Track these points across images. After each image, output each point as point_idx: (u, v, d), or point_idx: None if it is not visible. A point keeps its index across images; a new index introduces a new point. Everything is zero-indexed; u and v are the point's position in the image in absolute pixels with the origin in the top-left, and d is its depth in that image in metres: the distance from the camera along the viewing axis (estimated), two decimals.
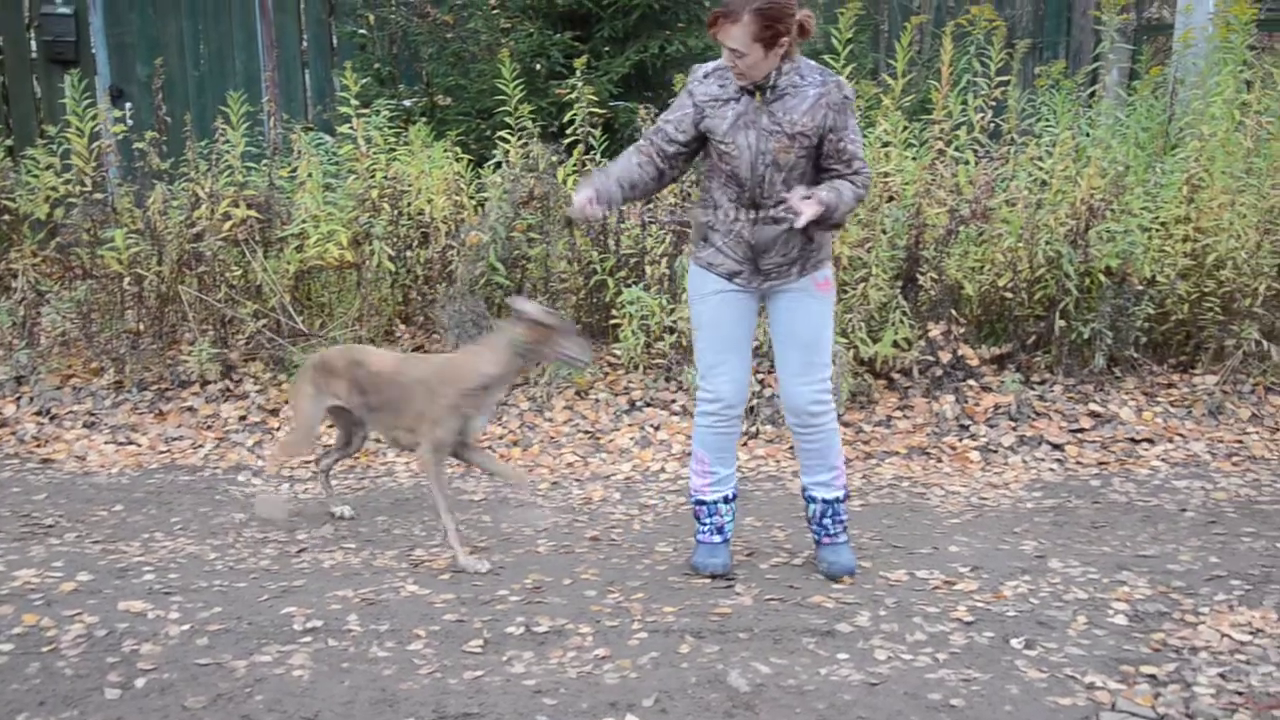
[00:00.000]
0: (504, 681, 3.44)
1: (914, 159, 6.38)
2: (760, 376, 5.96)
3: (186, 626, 3.85)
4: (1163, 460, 5.51)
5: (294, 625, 3.85)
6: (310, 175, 6.54)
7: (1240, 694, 3.27)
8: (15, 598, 4.09)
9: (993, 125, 6.51)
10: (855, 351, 5.89)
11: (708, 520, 4.24)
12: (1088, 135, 6.47)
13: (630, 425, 5.95)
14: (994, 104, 6.41)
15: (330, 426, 5.04)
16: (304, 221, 6.45)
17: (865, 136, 6.40)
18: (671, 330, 6.07)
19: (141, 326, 6.65)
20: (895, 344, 5.91)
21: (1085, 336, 5.99)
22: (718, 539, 4.25)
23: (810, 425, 4.11)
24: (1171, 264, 6.03)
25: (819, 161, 3.93)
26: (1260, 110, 6.43)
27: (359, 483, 5.57)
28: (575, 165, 6.55)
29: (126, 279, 6.56)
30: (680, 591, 4.09)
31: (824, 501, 4.22)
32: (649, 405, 6.09)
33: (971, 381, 6.02)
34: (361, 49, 8.93)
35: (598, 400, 6.13)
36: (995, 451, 5.64)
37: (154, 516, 5.12)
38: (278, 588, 4.19)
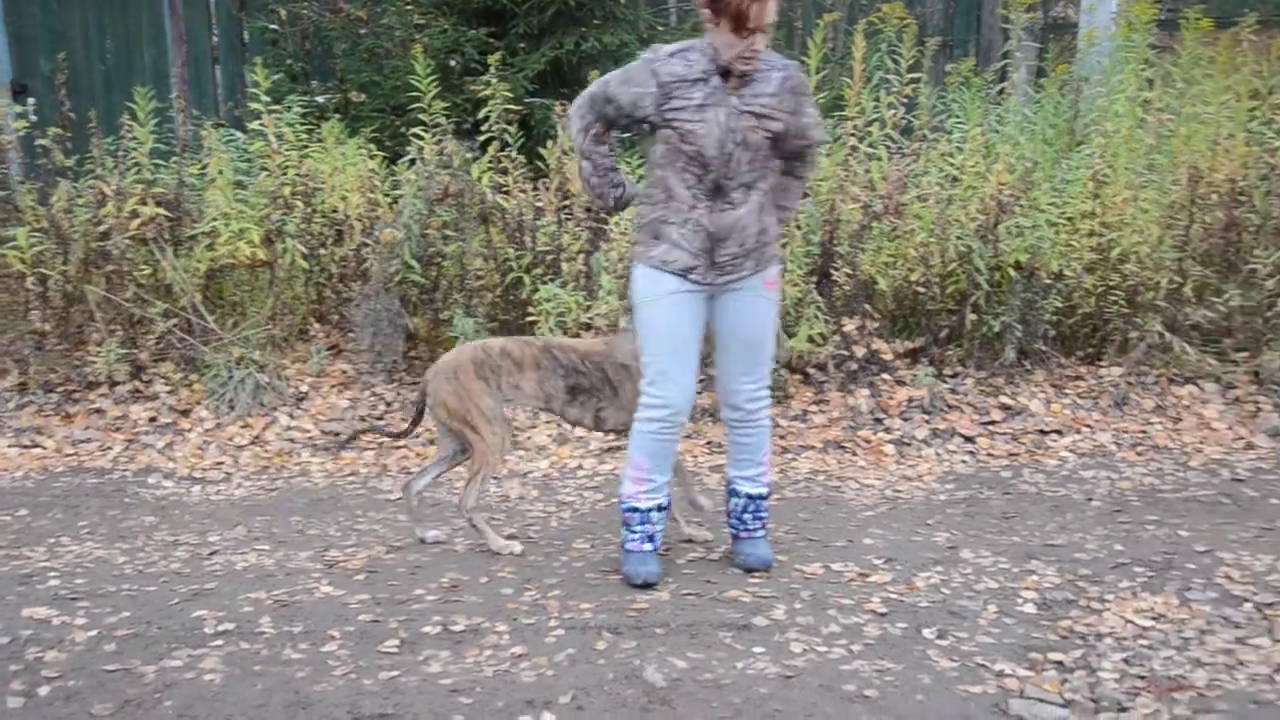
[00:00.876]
0: (420, 681, 3.42)
1: (828, 155, 6.44)
2: None
3: (94, 632, 3.78)
4: (1071, 451, 5.62)
5: (205, 629, 3.79)
6: (221, 172, 6.44)
7: (1143, 678, 3.35)
8: None
9: (905, 122, 6.59)
10: None
11: (639, 528, 4.16)
12: (997, 132, 6.58)
13: (548, 422, 5.94)
14: (905, 101, 6.49)
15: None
16: (215, 219, 6.35)
17: None
18: (588, 327, 6.07)
19: (47, 327, 6.50)
20: (810, 339, 5.96)
21: (996, 330, 6.09)
22: (648, 547, 4.17)
23: (748, 420, 4.15)
24: (1078, 258, 6.15)
25: (778, 144, 3.94)
26: (1161, 108, 6.58)
27: (272, 483, 5.51)
28: (490, 162, 6.52)
29: (30, 278, 6.41)
30: (597, 588, 4.09)
31: (748, 496, 4.24)
32: None
33: (886, 375, 6.09)
34: (273, 44, 8.82)
35: None
36: (909, 444, 5.72)
37: (60, 521, 5.02)
38: (189, 591, 4.13)
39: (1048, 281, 6.06)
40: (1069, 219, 6.22)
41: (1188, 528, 4.60)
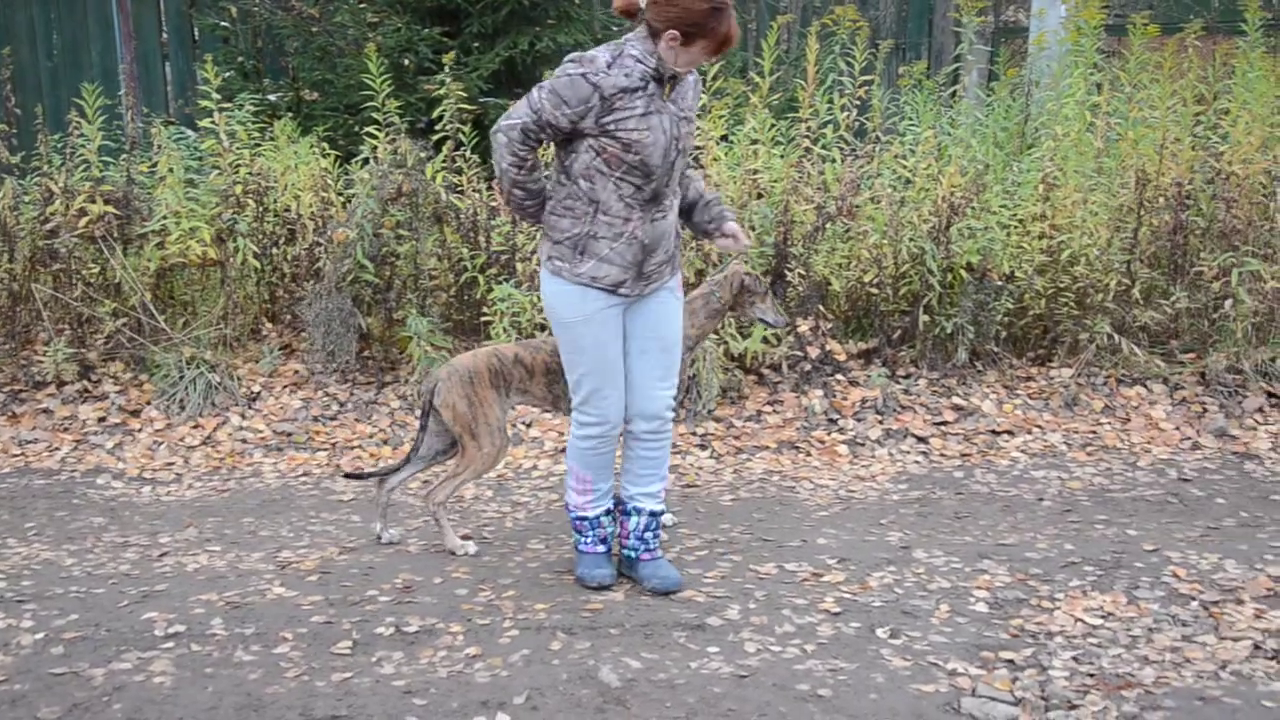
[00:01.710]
0: (373, 683, 3.40)
1: (781, 157, 6.47)
2: None
3: (41, 635, 3.73)
4: (1022, 451, 5.68)
5: (155, 631, 3.75)
6: (171, 170, 6.38)
7: (1092, 676, 3.39)
8: None
9: (858, 124, 6.63)
10: (725, 347, 5.95)
11: (590, 533, 4.14)
12: (949, 135, 6.64)
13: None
14: (859, 103, 6.53)
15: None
16: (165, 218, 6.28)
17: (734, 134, 6.49)
18: (543, 328, 6.06)
19: None
20: (764, 340, 5.98)
21: (948, 331, 6.14)
22: (601, 549, 4.16)
23: (660, 432, 4.05)
24: (1029, 260, 6.21)
25: None
26: (1109, 111, 6.66)
27: (224, 484, 5.46)
28: (444, 161, 6.50)
29: None
30: (552, 589, 4.09)
31: (650, 514, 4.13)
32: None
33: (839, 376, 6.13)
34: (225, 42, 8.75)
35: None
36: (863, 445, 5.75)
37: (6, 522, 4.94)
38: (138, 593, 4.08)
39: (999, 283, 6.12)
40: (1020, 221, 6.29)
41: (1136, 527, 4.66)
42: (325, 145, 6.94)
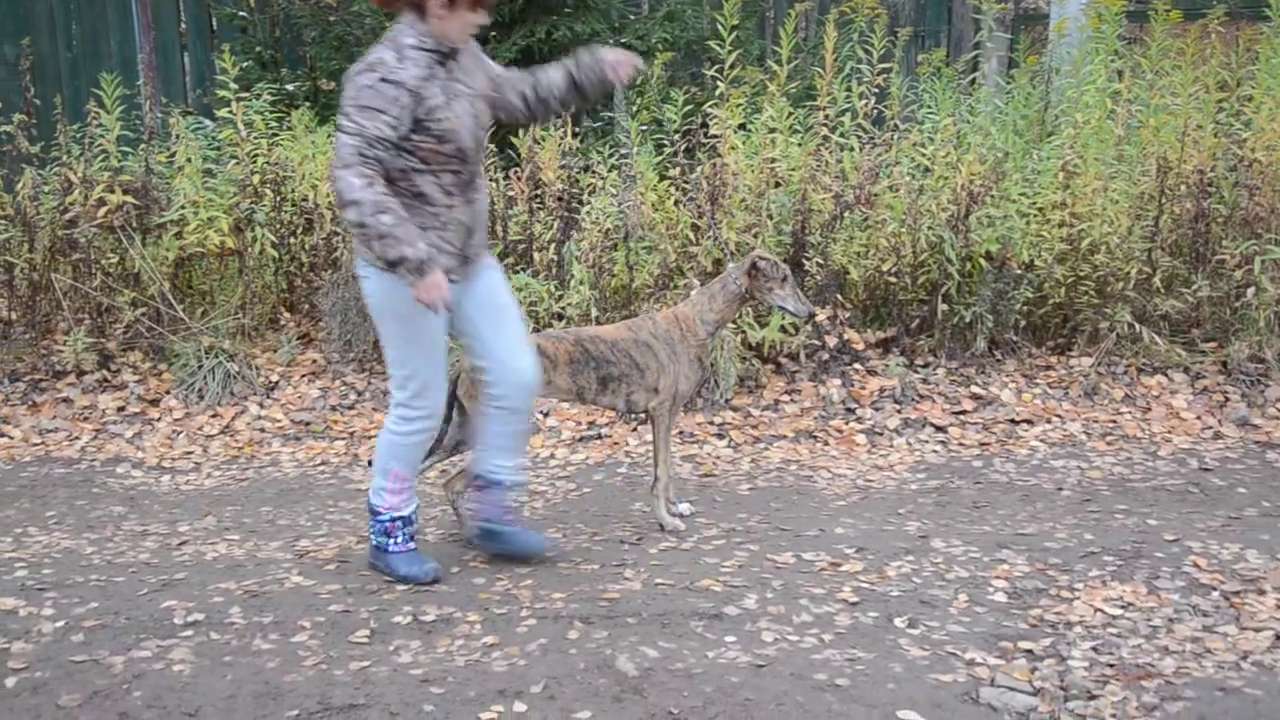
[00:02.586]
0: (391, 671, 3.41)
1: (799, 145, 6.44)
2: None
3: (61, 623, 3.75)
4: (1041, 440, 5.65)
5: (174, 619, 3.77)
6: (189, 160, 6.40)
7: (1112, 666, 3.37)
8: None
9: (876, 112, 6.60)
10: (743, 336, 5.94)
11: (403, 532, 4.08)
12: (968, 122, 6.59)
13: None
14: (877, 91, 6.49)
15: None
16: (183, 207, 6.30)
17: (752, 123, 6.46)
18: (560, 317, 6.05)
19: (13, 315, 6.45)
20: (782, 329, 5.96)
21: (967, 320, 6.11)
22: (412, 545, 4.12)
23: (528, 402, 4.07)
24: (1049, 248, 6.18)
25: None
26: (1130, 99, 6.61)
27: (243, 473, 5.47)
28: None
29: None
30: (569, 578, 4.08)
31: (515, 484, 4.19)
32: None
33: (857, 365, 6.11)
34: (243, 31, 8.75)
35: None
36: (881, 434, 5.73)
37: (27, 510, 4.97)
38: (158, 581, 4.10)
39: (1018, 272, 6.08)
40: (1039, 209, 6.25)
41: (1156, 517, 4.64)
42: None
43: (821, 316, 6.08)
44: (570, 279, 6.05)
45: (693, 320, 4.49)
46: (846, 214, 6.21)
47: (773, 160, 6.31)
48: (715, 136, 6.31)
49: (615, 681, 3.33)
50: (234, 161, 6.54)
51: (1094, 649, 3.48)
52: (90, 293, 6.36)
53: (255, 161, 6.52)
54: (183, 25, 9.55)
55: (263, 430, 5.90)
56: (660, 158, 6.54)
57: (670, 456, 4.63)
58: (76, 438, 5.88)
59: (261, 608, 3.85)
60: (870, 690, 3.27)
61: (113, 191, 6.25)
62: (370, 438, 5.79)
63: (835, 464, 5.44)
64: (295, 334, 6.50)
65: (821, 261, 6.13)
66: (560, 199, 6.32)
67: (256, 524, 4.75)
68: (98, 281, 6.38)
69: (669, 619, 3.72)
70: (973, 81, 7.14)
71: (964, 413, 5.87)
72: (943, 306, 6.12)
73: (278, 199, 6.51)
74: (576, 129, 6.39)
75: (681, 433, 5.73)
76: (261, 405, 6.06)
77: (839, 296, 6.16)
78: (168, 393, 6.15)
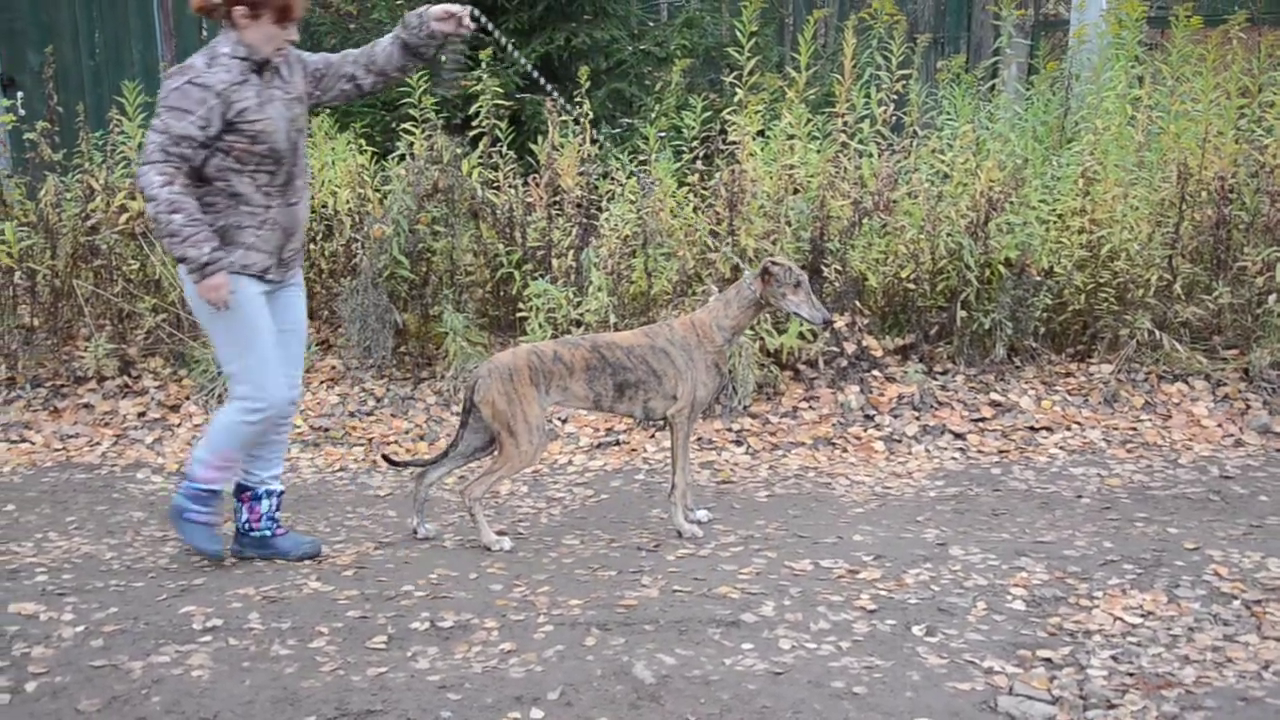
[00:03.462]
0: (408, 678, 3.42)
1: (818, 152, 6.43)
2: None
3: (81, 628, 3.76)
4: (1060, 448, 5.63)
5: (193, 624, 3.78)
6: None
7: (1131, 675, 3.35)
8: None
9: (895, 118, 6.59)
10: (761, 343, 5.93)
11: (212, 504, 4.26)
12: (987, 129, 6.58)
13: None
14: (896, 97, 6.48)
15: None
16: None
17: (771, 129, 6.45)
18: (579, 323, 6.06)
19: (35, 321, 6.49)
20: (800, 335, 5.96)
21: (986, 327, 6.09)
22: (216, 519, 4.31)
23: (290, 417, 4.35)
24: (1068, 255, 6.15)
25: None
26: (1151, 105, 6.58)
27: None
28: (480, 157, 6.51)
29: (18, 273, 6.39)
30: (586, 584, 4.08)
31: (279, 495, 4.39)
32: None
33: (876, 372, 6.09)
34: None
35: None
36: (899, 441, 5.72)
37: (48, 516, 5.00)
38: (177, 586, 4.12)
39: (1038, 278, 6.06)
40: (1059, 216, 6.23)
41: (1177, 525, 4.61)
42: (362, 142, 6.97)
43: (840, 323, 6.06)
44: (589, 285, 6.06)
45: (709, 327, 4.48)
46: (865, 220, 6.20)
47: (791, 167, 6.31)
48: (734, 143, 6.31)
49: (632, 689, 3.33)
50: None
51: (1113, 658, 3.46)
52: (111, 299, 6.40)
53: None
54: (204, 33, 9.60)
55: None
56: (679, 164, 6.54)
57: (688, 463, 4.63)
58: (97, 443, 5.91)
59: (280, 613, 3.87)
60: (888, 698, 3.26)
61: (134, 198, 6.29)
62: (389, 444, 5.80)
63: (853, 471, 5.42)
64: (314, 340, 6.52)
65: (840, 268, 6.12)
66: (579, 205, 6.33)
67: None
68: (119, 288, 6.41)
69: (686, 626, 3.72)
70: (992, 88, 7.13)
71: (983, 420, 5.85)
72: (962, 313, 6.10)
73: None
74: (596, 135, 6.39)
75: (700, 439, 5.72)
76: None
77: (857, 303, 6.15)
78: (188, 398, 6.18)
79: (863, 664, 3.46)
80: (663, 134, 6.73)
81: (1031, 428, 5.79)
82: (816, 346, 6.03)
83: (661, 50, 8.06)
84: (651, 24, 8.77)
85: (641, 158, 6.51)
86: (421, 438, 5.86)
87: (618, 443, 5.77)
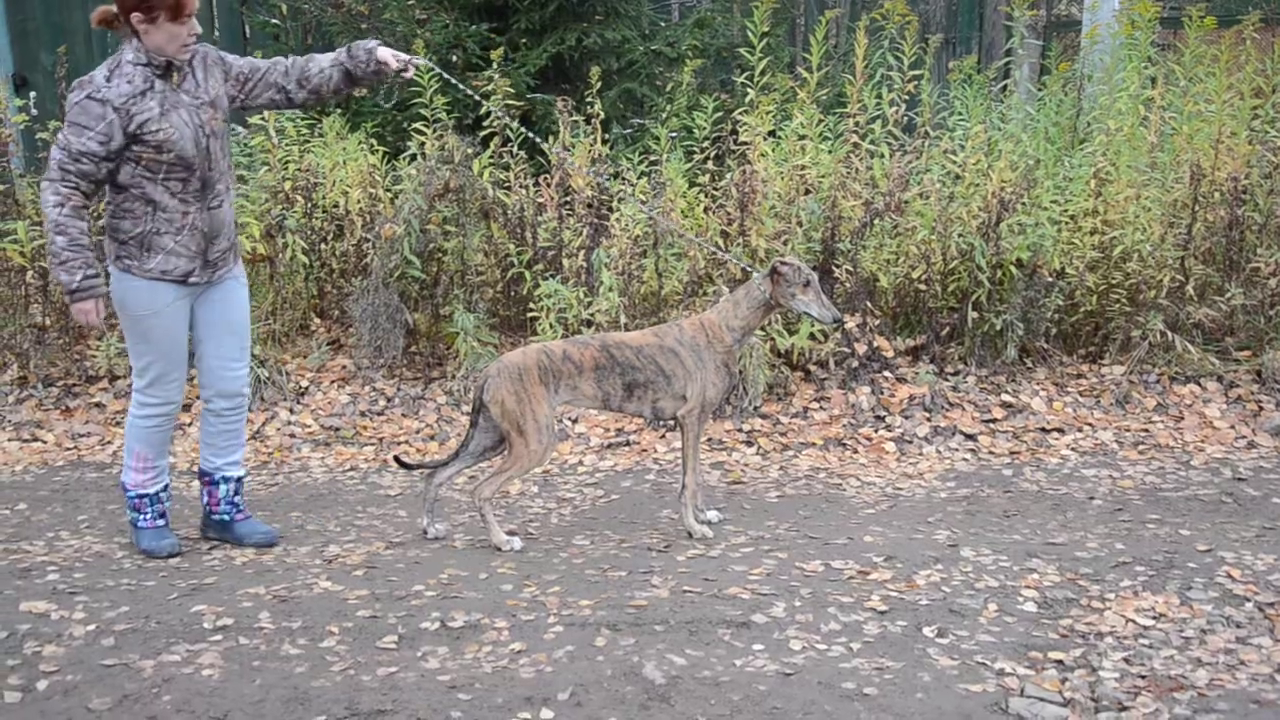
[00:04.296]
0: (418, 677, 3.41)
1: (829, 152, 6.42)
2: None
3: (92, 627, 3.77)
4: (1072, 449, 5.61)
5: (204, 624, 3.78)
6: None
7: (1144, 677, 3.34)
8: None
9: (906, 119, 6.58)
10: (772, 344, 5.93)
11: (150, 509, 4.42)
12: (999, 129, 6.56)
13: None
14: (907, 98, 6.47)
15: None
16: None
17: (782, 130, 6.45)
18: (589, 323, 6.05)
19: (47, 321, 6.50)
20: (811, 336, 5.95)
21: (997, 328, 6.07)
22: (161, 522, 4.46)
23: (238, 407, 4.46)
24: (1080, 256, 6.14)
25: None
26: (1163, 106, 6.56)
27: (272, 478, 5.50)
28: (491, 158, 6.51)
29: (30, 272, 6.41)
30: (597, 585, 4.08)
31: (236, 480, 4.52)
32: None
33: (887, 373, 6.08)
34: (275, 39, 8.80)
35: None
36: (910, 442, 5.71)
37: (59, 515, 5.01)
38: (187, 586, 4.12)
39: (1049, 279, 6.04)
40: (1071, 217, 6.21)
41: (1189, 527, 4.59)
42: (373, 142, 6.97)
43: (851, 324, 6.06)
44: (599, 286, 6.05)
45: (719, 327, 4.47)
46: (876, 221, 6.19)
47: (803, 167, 6.30)
48: (745, 143, 6.31)
49: (642, 689, 3.33)
50: (266, 168, 6.58)
51: (1125, 660, 3.45)
52: None
53: (287, 168, 6.57)
54: (216, 32, 9.62)
55: (292, 436, 5.92)
56: (690, 164, 6.53)
57: (699, 464, 4.62)
58: (108, 442, 5.92)
59: (290, 613, 3.87)
60: (898, 700, 3.25)
61: None
62: (399, 444, 5.81)
63: (864, 472, 5.41)
64: (325, 340, 6.53)
65: (851, 269, 6.11)
66: (590, 206, 6.33)
67: (285, 529, 4.76)
68: None
69: (696, 627, 3.72)
70: (1004, 88, 7.11)
71: (994, 421, 5.83)
72: (973, 314, 6.09)
73: (309, 205, 6.54)
74: (606, 136, 6.39)
75: (710, 440, 5.72)
76: (291, 411, 6.09)
77: (869, 304, 6.14)
78: (198, 398, 6.17)
79: (874, 665, 3.45)
80: (674, 134, 6.73)
81: (1043, 429, 5.77)
82: (827, 347, 6.03)
83: (673, 50, 8.05)
84: (663, 24, 8.77)
85: (653, 158, 6.51)
86: (432, 437, 5.87)
87: (628, 443, 5.77)
